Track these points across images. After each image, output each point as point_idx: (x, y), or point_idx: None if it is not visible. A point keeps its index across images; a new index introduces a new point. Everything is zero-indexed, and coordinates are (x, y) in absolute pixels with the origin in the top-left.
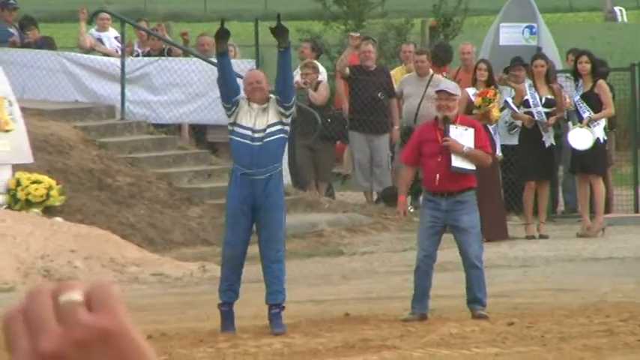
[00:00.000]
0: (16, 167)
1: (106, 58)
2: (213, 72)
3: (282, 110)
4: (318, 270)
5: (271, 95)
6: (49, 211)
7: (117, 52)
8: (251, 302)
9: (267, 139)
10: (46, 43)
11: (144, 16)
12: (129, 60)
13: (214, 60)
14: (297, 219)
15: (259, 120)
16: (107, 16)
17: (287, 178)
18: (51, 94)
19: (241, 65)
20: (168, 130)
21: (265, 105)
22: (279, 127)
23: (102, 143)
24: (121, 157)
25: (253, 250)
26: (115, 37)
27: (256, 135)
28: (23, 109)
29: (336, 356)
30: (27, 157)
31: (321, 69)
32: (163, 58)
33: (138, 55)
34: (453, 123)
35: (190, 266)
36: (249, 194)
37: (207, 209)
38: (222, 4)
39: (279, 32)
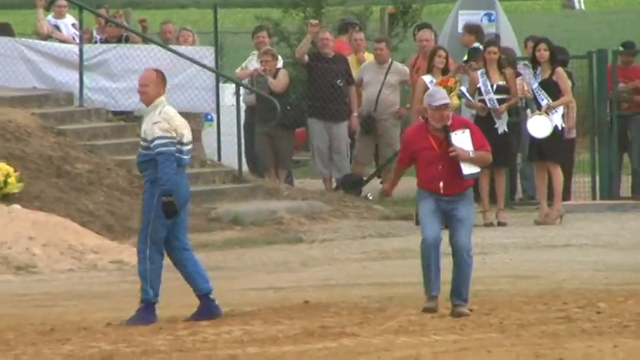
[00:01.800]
0: None
1: (64, 45)
2: (172, 59)
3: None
4: (277, 257)
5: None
6: (6, 198)
7: (74, 39)
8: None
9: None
10: (4, 30)
11: (102, 2)
12: (87, 47)
13: (175, 47)
14: (256, 206)
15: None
16: (64, 3)
17: (245, 165)
18: (8, 81)
19: (200, 52)
20: (127, 117)
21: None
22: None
23: (60, 130)
24: (79, 145)
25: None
26: (73, 24)
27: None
28: None
29: (296, 343)
30: None
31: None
32: (122, 45)
33: (96, 42)
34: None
35: None
36: None
37: None
38: None
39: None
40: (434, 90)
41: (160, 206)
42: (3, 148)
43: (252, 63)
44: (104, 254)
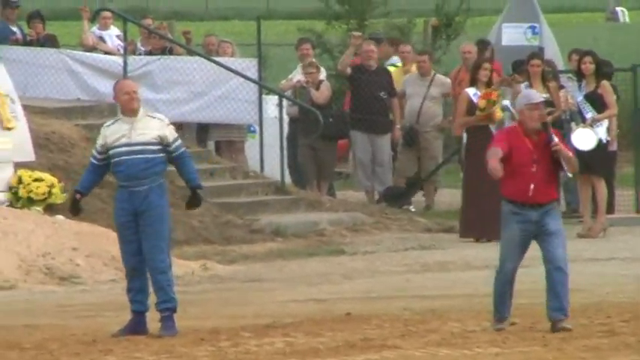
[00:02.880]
0: (17, 165)
1: (108, 57)
2: (215, 71)
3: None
4: (319, 269)
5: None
6: (50, 208)
7: (118, 50)
8: (252, 301)
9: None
10: (49, 41)
11: (146, 15)
12: (131, 58)
13: (217, 59)
14: (298, 218)
15: (134, 133)
16: (109, 14)
17: (288, 177)
18: (53, 92)
19: (243, 64)
20: None
21: (139, 117)
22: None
23: None
24: None
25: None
26: (117, 36)
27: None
28: (25, 107)
29: (337, 355)
30: (29, 155)
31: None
32: (165, 56)
33: (140, 54)
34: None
35: (192, 265)
36: (129, 206)
37: (209, 208)
38: (223, 2)
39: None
40: (527, 91)
41: (193, 201)
42: (47, 159)
43: (296, 75)
44: None
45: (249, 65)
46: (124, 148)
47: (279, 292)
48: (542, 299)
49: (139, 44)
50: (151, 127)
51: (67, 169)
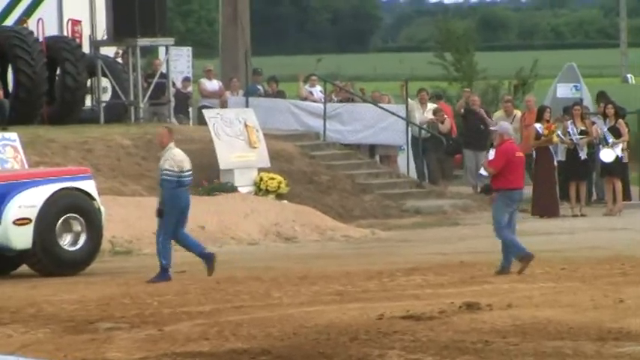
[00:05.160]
0: (259, 169)
1: (314, 104)
2: (379, 112)
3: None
4: (443, 234)
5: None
6: (279, 196)
7: (321, 100)
8: (402, 254)
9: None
10: (280, 94)
11: (337, 78)
12: (329, 105)
13: (381, 105)
14: (430, 203)
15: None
16: (315, 77)
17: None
18: (281, 125)
19: (396, 108)
20: (351, 147)
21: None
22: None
23: (311, 155)
24: (323, 164)
25: (396, 222)
26: (320, 91)
27: None
28: (265, 134)
29: (455, 287)
30: (266, 163)
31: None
32: (349, 103)
33: (334, 102)
34: None
35: (364, 231)
36: None
37: (375, 197)
38: (384, 69)
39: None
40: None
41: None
42: (278, 166)
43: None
44: (337, 231)
45: (400, 108)
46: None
47: (419, 248)
48: (581, 253)
49: (333, 96)
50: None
51: (290, 172)
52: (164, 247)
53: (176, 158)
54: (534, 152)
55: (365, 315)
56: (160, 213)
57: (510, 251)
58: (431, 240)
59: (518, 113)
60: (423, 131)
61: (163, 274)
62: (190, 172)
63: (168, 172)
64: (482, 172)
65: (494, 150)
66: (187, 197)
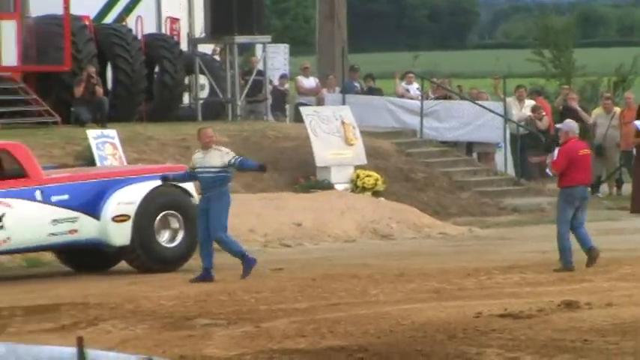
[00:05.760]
0: (356, 167)
1: (411, 101)
2: (477, 109)
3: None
4: (541, 232)
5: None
6: (376, 194)
7: (418, 97)
8: (500, 252)
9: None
10: (377, 91)
11: (434, 75)
12: (425, 102)
13: (478, 102)
14: (528, 200)
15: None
16: (412, 75)
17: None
18: (378, 122)
19: (493, 105)
20: (448, 145)
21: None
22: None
23: (408, 153)
24: (419, 161)
25: (493, 220)
26: (417, 88)
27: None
28: (361, 132)
29: (554, 286)
30: (363, 160)
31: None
32: (446, 100)
33: (431, 99)
34: None
35: (461, 229)
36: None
37: (473, 194)
38: (481, 66)
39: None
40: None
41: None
42: (374, 163)
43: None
44: (434, 229)
45: (497, 106)
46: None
47: (517, 246)
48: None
49: (430, 93)
50: (215, 157)
51: (386, 169)
52: (230, 240)
53: (223, 152)
54: (634, 149)
55: (462, 313)
56: (166, 179)
57: (561, 255)
58: (529, 238)
59: (617, 110)
60: (521, 128)
61: (249, 264)
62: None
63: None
64: (548, 172)
65: (557, 149)
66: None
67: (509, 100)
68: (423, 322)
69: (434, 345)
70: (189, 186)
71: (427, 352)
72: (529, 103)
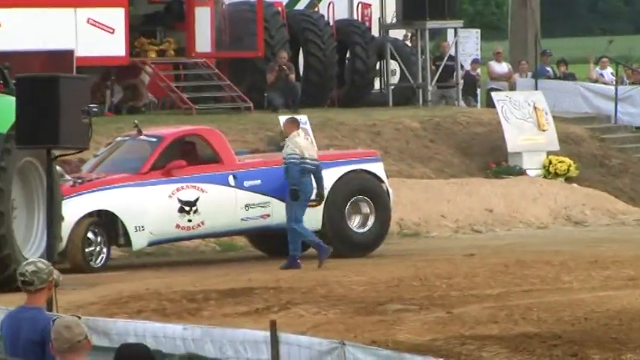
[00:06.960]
0: (548, 152)
1: (605, 86)
2: None
3: None
4: None
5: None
6: (569, 180)
7: (612, 82)
8: None
9: None
10: (570, 76)
11: (629, 60)
12: (620, 87)
13: None
14: None
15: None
16: (606, 60)
17: None
18: (571, 108)
19: None
20: None
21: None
22: None
23: (602, 138)
24: (614, 147)
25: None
26: (611, 73)
27: None
28: (553, 117)
29: (624, 289)
30: (555, 146)
31: None
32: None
33: (625, 84)
34: None
35: None
36: None
37: None
38: None
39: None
40: None
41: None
42: (567, 149)
43: None
44: (629, 215)
45: None
46: None
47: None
48: None
49: (624, 78)
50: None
51: (579, 155)
52: (304, 230)
53: (299, 145)
54: None
55: None
56: (295, 193)
57: None
58: None
59: None
60: None
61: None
62: (315, 161)
63: (292, 156)
64: None
65: None
66: (312, 186)
67: None
68: (618, 309)
69: (630, 333)
70: (380, 171)
71: (623, 339)
72: None
